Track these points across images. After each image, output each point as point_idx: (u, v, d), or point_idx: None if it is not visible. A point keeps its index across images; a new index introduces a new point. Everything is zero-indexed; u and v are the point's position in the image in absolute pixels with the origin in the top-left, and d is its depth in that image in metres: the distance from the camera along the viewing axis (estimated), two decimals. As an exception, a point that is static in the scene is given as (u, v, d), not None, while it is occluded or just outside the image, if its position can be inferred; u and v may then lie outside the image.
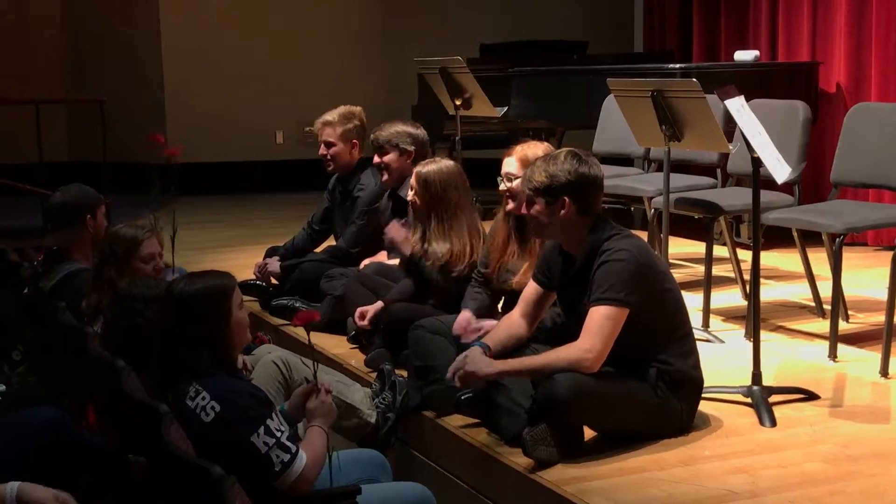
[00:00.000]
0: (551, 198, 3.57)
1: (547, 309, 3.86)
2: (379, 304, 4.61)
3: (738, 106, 3.91)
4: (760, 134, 3.91)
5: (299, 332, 4.93)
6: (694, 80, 4.60)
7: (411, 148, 5.12)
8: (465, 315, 4.12)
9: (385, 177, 5.17)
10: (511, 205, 4.14)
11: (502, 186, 4.16)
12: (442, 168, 4.52)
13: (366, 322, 4.59)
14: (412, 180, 4.57)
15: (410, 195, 4.58)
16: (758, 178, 3.96)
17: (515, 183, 4.09)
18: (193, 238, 7.17)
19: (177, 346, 2.95)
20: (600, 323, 3.46)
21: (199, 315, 2.96)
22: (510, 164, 4.16)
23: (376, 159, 5.18)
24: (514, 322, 3.81)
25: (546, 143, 4.29)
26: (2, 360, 4.72)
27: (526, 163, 4.06)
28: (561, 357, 3.48)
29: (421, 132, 5.22)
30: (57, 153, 10.02)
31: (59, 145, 10.37)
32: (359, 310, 4.65)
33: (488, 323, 4.04)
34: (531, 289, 3.83)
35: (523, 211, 3.73)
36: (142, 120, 10.21)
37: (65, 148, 10.58)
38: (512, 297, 4.13)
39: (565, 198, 3.56)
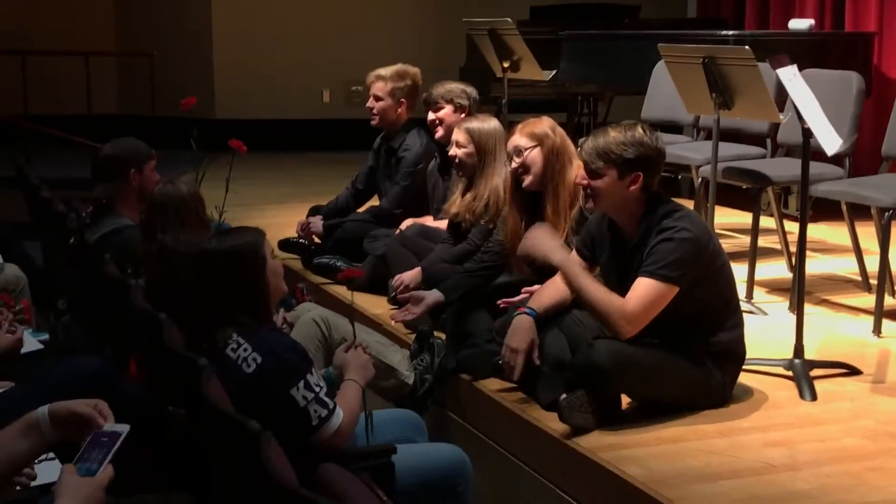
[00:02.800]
0: (626, 170, 3.48)
1: None
2: (416, 270, 4.61)
3: (789, 75, 3.84)
4: (812, 104, 3.85)
5: (340, 291, 4.97)
6: (746, 47, 4.52)
7: (466, 103, 5.10)
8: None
9: (439, 132, 5.13)
10: (528, 179, 4.04)
11: (513, 165, 4.07)
12: (488, 124, 4.57)
13: (406, 294, 4.52)
14: (457, 135, 4.58)
15: (455, 150, 4.59)
16: (808, 149, 3.90)
17: (527, 154, 4.03)
18: (238, 194, 7.19)
19: (209, 302, 2.96)
20: (647, 294, 3.42)
21: (231, 272, 2.96)
22: (518, 140, 4.06)
23: (430, 116, 5.14)
24: (558, 287, 3.75)
25: (546, 117, 4.18)
26: (47, 308, 4.80)
27: (534, 136, 4.02)
28: (603, 302, 3.45)
29: (474, 92, 5.20)
30: (106, 106, 10.10)
31: (109, 98, 10.45)
32: (397, 277, 4.64)
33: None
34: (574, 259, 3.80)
35: (579, 181, 3.64)
36: (190, 75, 10.27)
37: (114, 101, 10.66)
38: None
39: (640, 172, 3.48)
